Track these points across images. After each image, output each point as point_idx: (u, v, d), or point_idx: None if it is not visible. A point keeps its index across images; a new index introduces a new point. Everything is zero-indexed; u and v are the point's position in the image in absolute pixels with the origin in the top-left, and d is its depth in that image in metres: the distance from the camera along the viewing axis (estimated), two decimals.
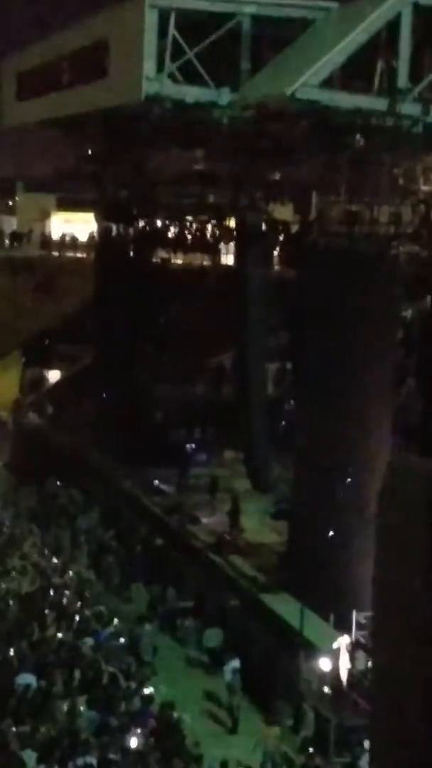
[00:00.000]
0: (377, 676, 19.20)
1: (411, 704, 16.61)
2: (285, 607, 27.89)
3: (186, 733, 22.66)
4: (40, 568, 30.69)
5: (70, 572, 30.79)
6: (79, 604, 28.36)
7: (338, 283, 28.28)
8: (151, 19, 26.57)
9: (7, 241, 56.64)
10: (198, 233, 45.84)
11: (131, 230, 44.21)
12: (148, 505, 36.89)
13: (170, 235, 46.11)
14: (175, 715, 23.32)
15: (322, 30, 26.79)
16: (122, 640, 27.02)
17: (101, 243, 46.37)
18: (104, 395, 43.52)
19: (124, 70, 28.52)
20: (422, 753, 16.42)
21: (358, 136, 27.31)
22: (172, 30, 26.34)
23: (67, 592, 29.05)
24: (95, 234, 48.64)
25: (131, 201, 43.73)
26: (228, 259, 44.29)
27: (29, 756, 20.40)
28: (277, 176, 36.93)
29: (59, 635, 26.28)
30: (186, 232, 45.93)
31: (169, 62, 26.52)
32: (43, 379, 53.43)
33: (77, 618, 27.31)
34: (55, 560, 31.77)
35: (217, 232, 44.13)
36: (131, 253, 44.06)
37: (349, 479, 27.03)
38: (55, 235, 57.36)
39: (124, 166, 42.22)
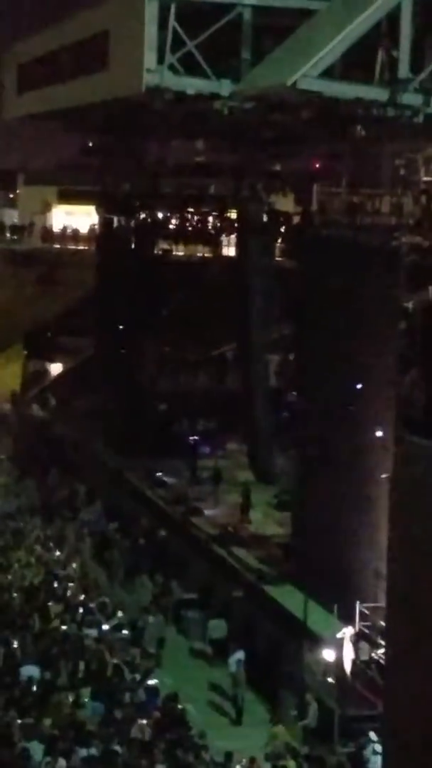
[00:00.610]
0: (390, 663, 19.15)
1: (426, 692, 16.58)
2: (289, 598, 27.92)
3: (191, 725, 22.70)
4: (43, 561, 30.72)
5: (74, 564, 30.82)
6: (83, 596, 28.40)
7: (340, 274, 28.26)
8: (151, 10, 26.51)
9: (8, 234, 56.59)
10: (199, 224, 45.80)
11: (132, 222, 44.20)
12: (151, 496, 36.93)
13: (172, 226, 46.07)
14: (180, 706, 23.36)
15: (322, 20, 26.70)
16: (126, 631, 27.07)
17: (103, 235, 46.38)
18: (106, 387, 43.55)
19: (124, 62, 28.48)
20: None
21: (359, 127, 27.24)
22: (172, 21, 26.27)
23: (71, 584, 29.08)
24: (96, 226, 48.65)
25: (132, 192, 43.71)
26: (230, 250, 44.26)
27: (35, 748, 20.41)
28: (278, 167, 36.90)
29: (63, 627, 26.30)
30: (187, 223, 45.90)
31: (169, 54, 26.46)
32: (45, 371, 53.46)
33: (81, 610, 27.34)
34: (58, 552, 31.80)
35: (219, 224, 44.11)
36: (133, 245, 44.05)
37: (352, 468, 27.05)
38: (57, 228, 57.31)
39: (126, 158, 42.21)
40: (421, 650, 16.78)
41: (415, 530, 16.87)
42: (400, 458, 18.21)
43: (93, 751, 20.54)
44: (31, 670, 23.57)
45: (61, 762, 20.00)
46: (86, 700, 22.71)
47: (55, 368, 53.42)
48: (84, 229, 55.20)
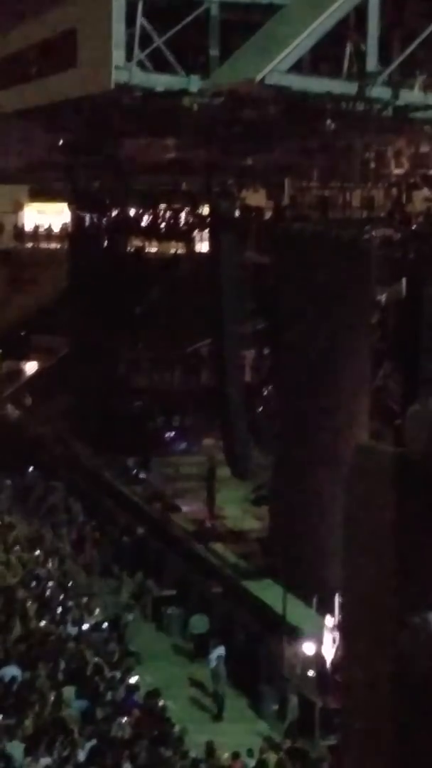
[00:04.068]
0: (348, 659, 19.27)
1: (377, 684, 16.74)
2: (268, 592, 27.98)
3: (172, 721, 22.70)
4: (22, 561, 30.64)
5: (50, 563, 30.76)
6: (62, 595, 28.35)
7: (312, 268, 28.31)
8: (118, 7, 26.47)
9: None
10: (171, 221, 45.77)
11: (105, 219, 44.16)
12: (129, 494, 36.93)
13: (144, 223, 46.04)
14: (161, 703, 23.36)
15: (290, 14, 26.72)
16: (106, 629, 27.05)
17: (75, 233, 46.31)
18: (81, 385, 43.51)
19: (93, 59, 28.43)
20: (392, 734, 16.55)
21: (328, 121, 27.30)
22: (140, 18, 26.23)
23: (50, 584, 29.02)
24: (68, 224, 48.57)
25: (104, 190, 43.66)
26: (202, 246, 44.24)
27: (16, 748, 20.37)
28: (249, 162, 36.92)
29: (42, 626, 26.23)
30: (159, 220, 45.87)
31: (137, 50, 26.42)
32: (20, 370, 53.32)
33: (60, 609, 27.30)
34: (36, 552, 31.72)
35: (191, 220, 44.10)
36: (105, 243, 44.02)
37: (329, 462, 27.10)
38: (28, 227, 57.15)
39: (97, 156, 42.14)
40: (377, 639, 16.92)
41: (366, 532, 17.00)
42: (354, 454, 18.33)
43: (75, 750, 20.53)
44: (12, 671, 23.52)
45: (43, 761, 19.98)
46: (70, 698, 22.65)
47: (30, 367, 53.30)
48: (56, 228, 55.09)
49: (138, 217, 45.75)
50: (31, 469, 40.35)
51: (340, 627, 23.18)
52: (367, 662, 17.12)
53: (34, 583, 28.85)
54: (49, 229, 55.86)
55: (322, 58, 26.13)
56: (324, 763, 22.18)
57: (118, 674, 24.20)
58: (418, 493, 16.24)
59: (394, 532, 16.39)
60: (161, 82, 27.06)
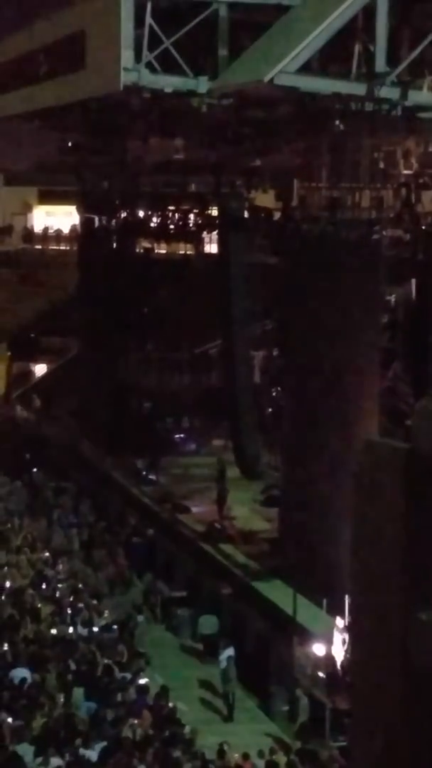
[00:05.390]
0: (356, 657, 19.26)
1: (391, 681, 16.70)
2: (278, 593, 27.96)
3: (183, 722, 22.70)
4: (32, 562, 30.68)
5: (61, 565, 30.79)
6: (71, 596, 28.37)
7: (321, 269, 28.30)
8: (127, 8, 26.47)
9: None
10: (180, 222, 45.77)
11: (113, 221, 44.19)
12: (138, 495, 36.94)
13: (153, 224, 46.04)
14: (171, 704, 23.36)
15: (298, 15, 26.71)
16: (116, 629, 27.06)
17: (84, 234, 46.33)
18: (91, 387, 43.56)
19: (101, 61, 28.44)
20: (401, 732, 16.53)
21: (337, 122, 27.28)
22: (148, 19, 26.23)
23: (59, 585, 29.05)
24: (78, 226, 48.60)
25: (113, 191, 43.68)
26: (211, 247, 44.24)
27: (25, 749, 20.38)
28: (258, 163, 36.94)
29: (52, 627, 26.26)
30: (168, 221, 45.87)
31: (146, 52, 26.43)
32: (29, 372, 53.41)
33: (70, 610, 27.31)
34: (46, 553, 31.76)
35: (200, 221, 44.11)
36: (114, 244, 44.04)
37: (338, 462, 27.09)
38: (37, 228, 57.25)
39: (105, 157, 42.16)
40: (386, 638, 16.91)
41: (374, 528, 16.98)
42: (362, 451, 18.29)
43: (85, 751, 20.53)
44: (22, 672, 23.53)
45: (54, 761, 19.98)
46: (79, 699, 22.66)
47: (40, 369, 53.38)
48: (65, 230, 55.17)
49: (147, 219, 45.75)
50: (40, 470, 40.39)
51: (350, 627, 23.17)
52: (376, 661, 17.09)
53: (43, 585, 28.90)
54: (58, 231, 55.96)
55: (330, 58, 26.10)
56: (334, 765, 22.15)
57: (128, 675, 24.22)
58: (426, 488, 16.22)
59: (403, 528, 16.37)
60: (170, 83, 27.06)
